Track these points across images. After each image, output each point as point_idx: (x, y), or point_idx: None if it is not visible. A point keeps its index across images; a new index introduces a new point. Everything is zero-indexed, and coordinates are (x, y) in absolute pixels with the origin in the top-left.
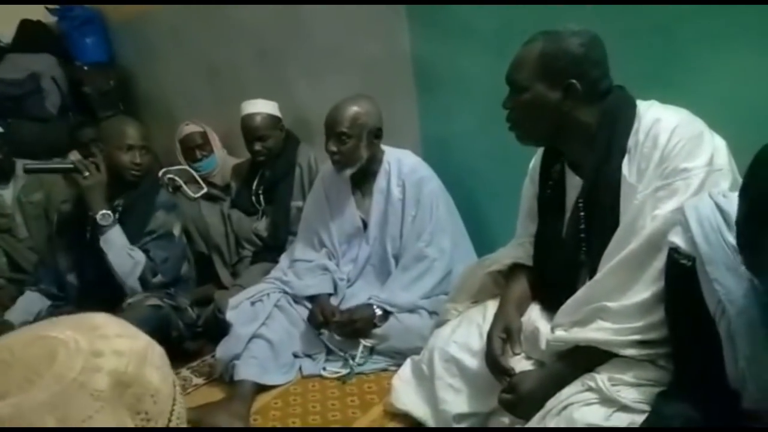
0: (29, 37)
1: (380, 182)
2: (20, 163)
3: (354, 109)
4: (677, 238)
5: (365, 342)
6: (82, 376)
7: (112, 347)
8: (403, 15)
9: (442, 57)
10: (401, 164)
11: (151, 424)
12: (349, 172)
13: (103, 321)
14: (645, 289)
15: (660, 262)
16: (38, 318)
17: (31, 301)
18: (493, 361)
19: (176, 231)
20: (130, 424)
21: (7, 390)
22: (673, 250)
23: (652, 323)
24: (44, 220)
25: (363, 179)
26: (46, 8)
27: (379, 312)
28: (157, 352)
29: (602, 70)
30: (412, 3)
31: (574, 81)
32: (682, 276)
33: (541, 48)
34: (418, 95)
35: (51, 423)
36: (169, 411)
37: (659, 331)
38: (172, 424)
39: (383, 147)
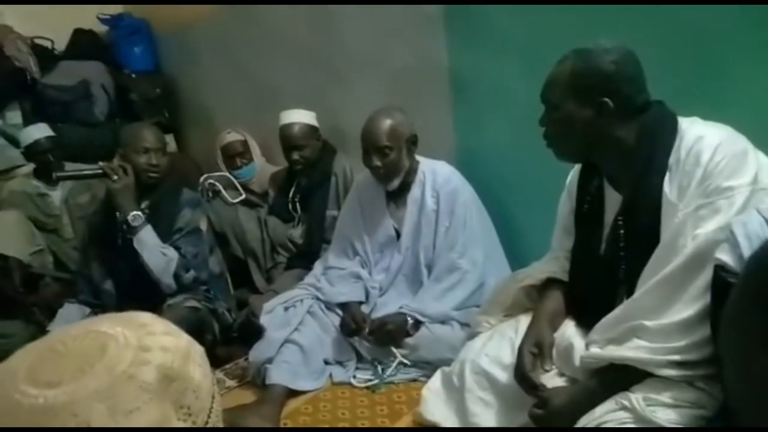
0: (81, 45)
1: (414, 192)
2: (69, 167)
3: (389, 121)
4: (725, 256)
5: (399, 352)
6: (132, 369)
7: (159, 343)
8: (441, 26)
9: (479, 69)
10: (436, 175)
11: (192, 419)
12: (396, 182)
13: (149, 319)
14: (684, 308)
15: (701, 281)
16: None
17: (71, 312)
18: (523, 376)
19: (203, 226)
20: (173, 417)
21: (61, 378)
22: (720, 268)
23: (692, 344)
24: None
25: (397, 189)
26: (98, 18)
27: (411, 321)
28: (198, 350)
29: (637, 87)
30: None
31: (606, 99)
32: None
33: (572, 66)
34: (453, 106)
35: (102, 411)
36: (209, 407)
37: (698, 352)
38: (211, 421)
39: (418, 157)
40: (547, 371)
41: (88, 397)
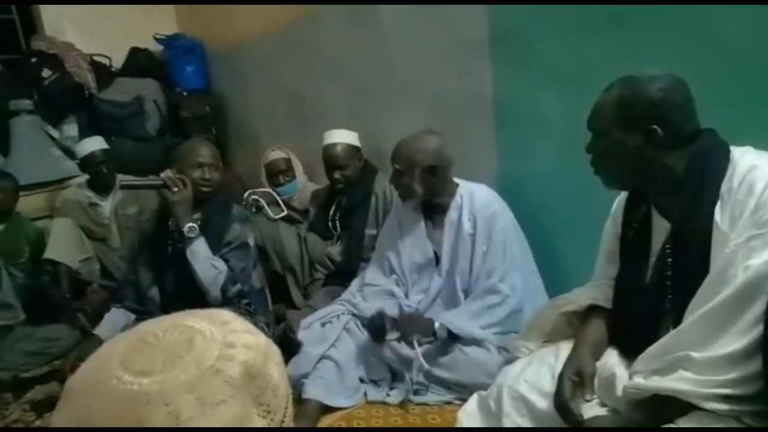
0: (137, 63)
1: (452, 215)
2: (121, 179)
3: (408, 150)
4: None
5: (421, 355)
6: (218, 363)
7: (242, 341)
8: (485, 52)
9: (523, 95)
10: (473, 198)
11: (270, 417)
12: (414, 202)
13: (230, 317)
14: (734, 341)
15: (751, 314)
16: (124, 331)
17: (117, 316)
18: (562, 404)
19: (251, 241)
20: (254, 414)
21: (153, 368)
22: None
23: (739, 377)
24: (136, 231)
25: (435, 210)
26: (154, 38)
27: (437, 324)
28: (276, 350)
29: (686, 114)
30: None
31: (654, 126)
32: None
33: (619, 94)
34: (496, 132)
35: (190, 401)
36: (285, 407)
37: (746, 387)
38: (286, 421)
39: (457, 180)
40: (587, 401)
41: (179, 387)
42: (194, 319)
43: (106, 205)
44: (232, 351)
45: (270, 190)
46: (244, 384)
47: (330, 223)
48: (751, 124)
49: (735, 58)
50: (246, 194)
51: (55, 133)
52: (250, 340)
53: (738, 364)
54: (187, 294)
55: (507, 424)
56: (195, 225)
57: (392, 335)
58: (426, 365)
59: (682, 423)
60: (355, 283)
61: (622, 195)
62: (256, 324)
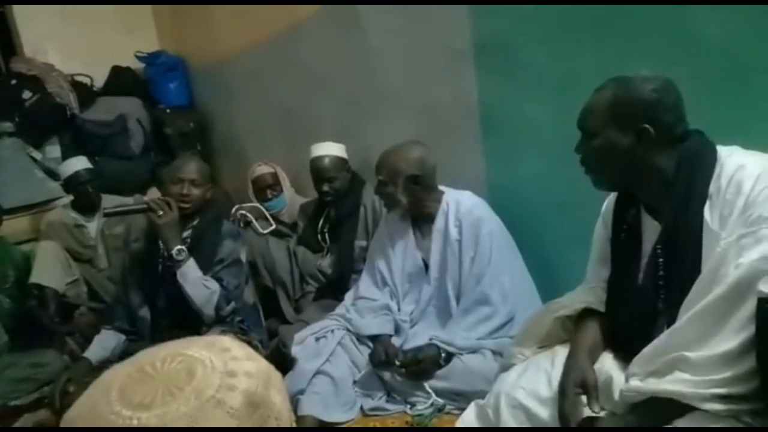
0: (119, 81)
1: (438, 223)
2: (106, 198)
3: (392, 159)
4: None
5: (432, 393)
6: (220, 394)
7: (243, 369)
8: (471, 61)
9: (509, 102)
10: (459, 205)
11: None
12: (399, 211)
13: (231, 344)
14: (728, 339)
15: (744, 312)
16: (114, 353)
17: (107, 338)
18: (567, 418)
19: (243, 257)
20: None
21: (152, 401)
22: (764, 301)
23: (735, 376)
24: (124, 252)
25: (422, 219)
26: (136, 56)
27: (443, 355)
28: (277, 376)
29: (677, 115)
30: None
31: (647, 126)
32: None
33: (612, 94)
34: (483, 140)
35: None
36: None
37: (743, 385)
38: None
39: (443, 188)
40: (596, 413)
41: (179, 420)
42: (194, 348)
43: (92, 226)
44: (233, 380)
45: (258, 205)
46: (246, 414)
47: (319, 236)
48: (737, 125)
49: (721, 61)
50: (234, 209)
51: (37, 155)
52: (251, 367)
53: (733, 363)
54: (179, 313)
55: None
56: (183, 248)
57: (395, 372)
58: (441, 401)
59: (681, 424)
60: (348, 296)
61: (611, 197)
62: (250, 341)
